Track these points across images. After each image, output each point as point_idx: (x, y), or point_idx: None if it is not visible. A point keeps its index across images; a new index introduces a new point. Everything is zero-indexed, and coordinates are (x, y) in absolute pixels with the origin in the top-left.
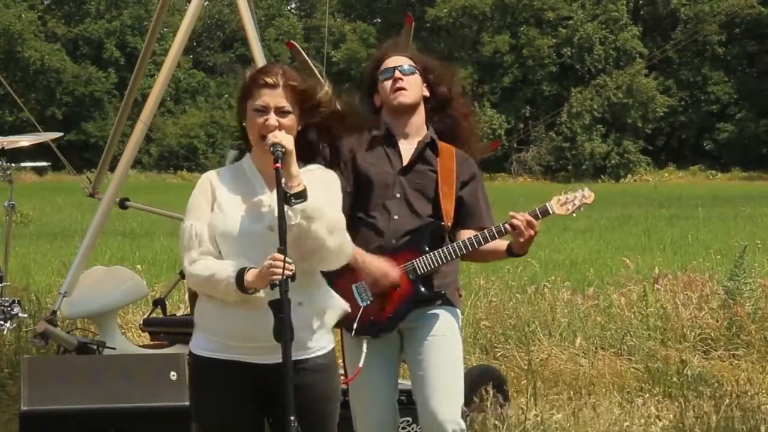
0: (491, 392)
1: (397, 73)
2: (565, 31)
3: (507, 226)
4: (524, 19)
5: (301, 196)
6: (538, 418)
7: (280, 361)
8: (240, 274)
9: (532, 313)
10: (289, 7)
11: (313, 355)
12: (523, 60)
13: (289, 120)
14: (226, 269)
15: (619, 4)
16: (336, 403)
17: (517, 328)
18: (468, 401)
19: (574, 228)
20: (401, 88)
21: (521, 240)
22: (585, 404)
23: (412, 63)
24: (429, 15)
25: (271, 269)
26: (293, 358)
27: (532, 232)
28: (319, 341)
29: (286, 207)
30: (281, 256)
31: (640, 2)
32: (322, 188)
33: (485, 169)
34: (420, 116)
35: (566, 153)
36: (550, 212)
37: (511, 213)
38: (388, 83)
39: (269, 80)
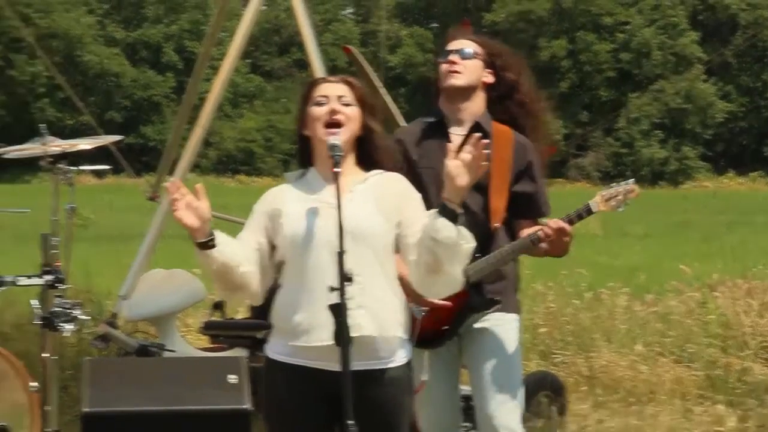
0: (549, 399)
1: (453, 56)
2: (622, 36)
3: (541, 234)
4: (581, 24)
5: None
6: (599, 425)
7: (349, 368)
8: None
9: (591, 319)
10: (345, 12)
11: (383, 367)
12: (581, 65)
13: (352, 111)
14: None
15: (677, 9)
16: (404, 417)
17: (576, 334)
18: (526, 407)
19: (632, 234)
20: (455, 71)
21: (555, 247)
22: (645, 411)
23: (476, 48)
24: (486, 20)
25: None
26: (364, 368)
27: (566, 239)
28: (392, 352)
29: (449, 223)
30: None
31: (699, 7)
32: (414, 200)
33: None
34: (476, 103)
35: (624, 159)
36: (594, 210)
37: (545, 221)
38: (445, 66)
39: (329, 78)
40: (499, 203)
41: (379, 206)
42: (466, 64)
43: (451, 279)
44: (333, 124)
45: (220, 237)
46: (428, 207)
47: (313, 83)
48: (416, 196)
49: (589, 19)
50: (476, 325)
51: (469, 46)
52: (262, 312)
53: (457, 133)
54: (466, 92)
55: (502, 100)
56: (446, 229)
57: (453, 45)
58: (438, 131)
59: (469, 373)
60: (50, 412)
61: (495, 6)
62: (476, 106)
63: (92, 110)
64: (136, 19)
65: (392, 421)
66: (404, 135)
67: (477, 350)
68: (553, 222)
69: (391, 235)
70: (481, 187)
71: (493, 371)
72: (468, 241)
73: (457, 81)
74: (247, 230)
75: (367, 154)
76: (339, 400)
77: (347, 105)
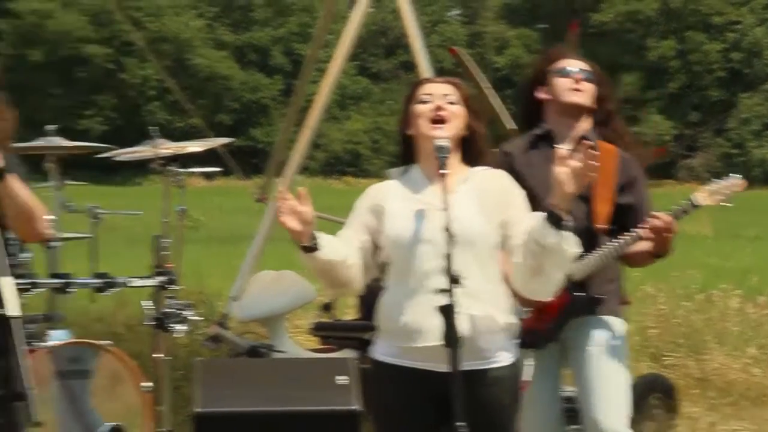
0: (660, 401)
1: (580, 74)
2: (733, 35)
3: (645, 228)
4: (691, 24)
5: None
6: (711, 428)
7: (458, 370)
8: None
9: (703, 321)
10: (452, 13)
11: (489, 367)
12: (690, 65)
13: (457, 109)
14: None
15: None
16: (510, 417)
17: (687, 336)
18: (637, 410)
19: (744, 236)
20: (579, 89)
21: (658, 244)
22: (758, 415)
23: (592, 73)
24: (593, 20)
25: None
26: (471, 368)
27: (669, 235)
28: (497, 353)
29: (556, 228)
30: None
31: None
32: (517, 196)
33: (652, 175)
34: (587, 124)
35: (735, 159)
36: (697, 204)
37: (653, 213)
38: (566, 81)
39: (434, 78)
40: (602, 210)
41: (481, 207)
42: (587, 87)
43: (553, 282)
44: (437, 120)
45: (323, 239)
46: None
47: (418, 83)
48: (519, 193)
49: (698, 19)
50: (580, 328)
51: (587, 69)
52: (370, 313)
53: (562, 147)
54: (582, 111)
55: (598, 126)
56: (552, 234)
57: (573, 63)
58: (545, 144)
59: (574, 376)
60: (163, 412)
61: (602, 6)
62: (586, 125)
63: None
64: (245, 22)
65: (498, 421)
66: (511, 147)
67: (581, 353)
68: (662, 215)
69: (494, 236)
70: (585, 197)
71: (598, 374)
72: (573, 247)
73: (581, 99)
74: (349, 228)
75: (471, 155)
76: (446, 400)
77: (452, 103)
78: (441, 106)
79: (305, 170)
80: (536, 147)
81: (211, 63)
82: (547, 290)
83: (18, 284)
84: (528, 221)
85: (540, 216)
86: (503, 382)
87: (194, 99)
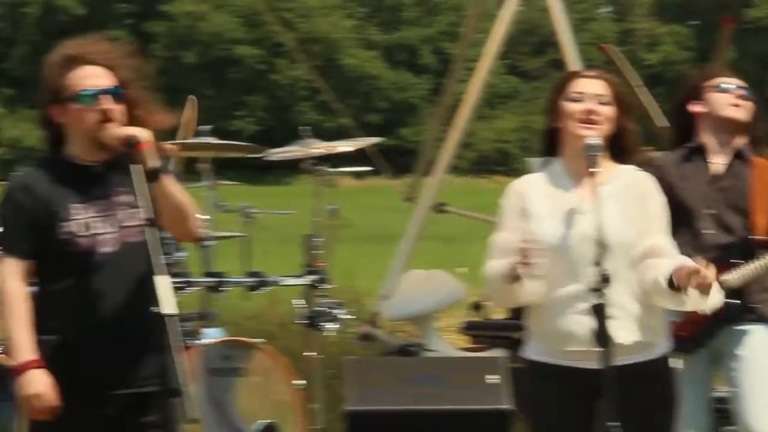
0: None
1: (739, 91)
2: None
3: None
4: None
5: None
6: None
7: (611, 370)
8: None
9: None
10: (602, 11)
11: (637, 361)
12: None
13: (609, 110)
14: (501, 263)
15: None
16: (669, 413)
17: None
18: None
19: None
20: (738, 105)
21: None
22: None
23: (750, 91)
24: (747, 16)
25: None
26: (620, 363)
27: None
28: (647, 347)
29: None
30: (531, 241)
31: None
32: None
33: None
34: (742, 139)
35: None
36: None
37: None
38: (725, 96)
39: (586, 72)
40: (760, 221)
41: (625, 212)
42: (746, 103)
43: (659, 308)
44: (588, 122)
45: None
46: (690, 226)
47: (570, 76)
48: (659, 201)
49: None
50: (734, 334)
51: (745, 86)
52: (521, 312)
53: (716, 162)
54: (738, 127)
55: (752, 144)
56: (667, 297)
57: (731, 81)
58: (698, 157)
59: (727, 380)
60: (315, 410)
61: (757, 1)
62: (742, 141)
63: (351, 113)
64: (394, 21)
65: (653, 418)
66: (663, 160)
67: (734, 358)
68: None
69: (635, 240)
70: (743, 208)
71: (751, 379)
72: (686, 302)
73: (740, 115)
74: (507, 230)
75: (620, 152)
76: (599, 398)
77: (604, 104)
78: (593, 110)
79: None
80: (689, 160)
81: (361, 63)
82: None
83: (173, 283)
84: (656, 236)
85: (665, 269)
86: (655, 376)
87: (343, 99)
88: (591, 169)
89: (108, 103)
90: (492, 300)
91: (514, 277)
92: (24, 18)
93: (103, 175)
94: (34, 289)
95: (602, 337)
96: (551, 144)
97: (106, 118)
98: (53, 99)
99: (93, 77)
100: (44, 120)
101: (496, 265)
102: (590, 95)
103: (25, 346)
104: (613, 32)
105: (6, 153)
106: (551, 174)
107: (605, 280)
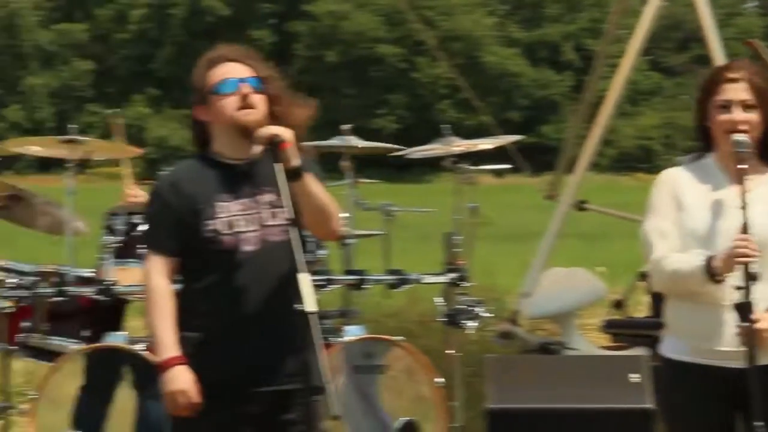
0: None
1: None
2: None
3: None
4: None
5: None
6: None
7: (756, 370)
8: (708, 261)
9: None
10: (748, 5)
11: None
12: None
13: (754, 116)
14: (692, 259)
15: None
16: None
17: None
18: None
19: None
20: None
21: None
22: None
23: None
24: None
25: (737, 249)
26: (764, 363)
27: None
28: None
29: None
30: (747, 236)
31: None
32: None
33: None
34: None
35: None
36: None
37: None
38: None
39: (732, 75)
40: None
41: None
42: None
43: None
44: (735, 131)
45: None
46: None
47: (716, 77)
48: None
49: None
50: None
51: None
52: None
53: None
54: None
55: None
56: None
57: None
58: None
59: None
60: (455, 408)
61: None
62: None
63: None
64: (535, 18)
65: None
66: None
67: None
68: None
69: None
70: None
71: None
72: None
73: None
74: (665, 219)
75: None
76: (741, 397)
77: (749, 108)
78: (738, 121)
79: (595, 167)
80: None
81: (501, 60)
82: None
83: (315, 281)
84: None
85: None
86: None
87: (484, 97)
88: (739, 165)
89: (247, 89)
90: (663, 290)
91: (719, 275)
92: (170, 19)
93: (248, 174)
94: (179, 286)
95: (748, 336)
96: (705, 140)
97: (245, 104)
98: (198, 99)
99: (233, 71)
100: (192, 120)
101: (684, 259)
102: (736, 102)
103: (168, 342)
104: (760, 27)
105: (152, 152)
106: (703, 168)
107: (752, 278)
